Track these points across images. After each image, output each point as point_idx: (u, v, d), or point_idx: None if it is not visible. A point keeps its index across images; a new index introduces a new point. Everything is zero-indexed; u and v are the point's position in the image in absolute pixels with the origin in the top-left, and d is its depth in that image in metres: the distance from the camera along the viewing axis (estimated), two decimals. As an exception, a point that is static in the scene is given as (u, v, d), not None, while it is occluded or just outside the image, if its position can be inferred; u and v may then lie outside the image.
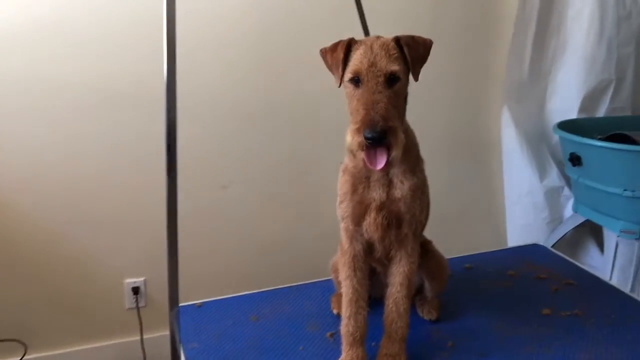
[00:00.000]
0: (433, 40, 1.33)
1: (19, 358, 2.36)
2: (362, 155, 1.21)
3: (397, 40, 1.29)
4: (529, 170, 2.81)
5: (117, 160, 2.40)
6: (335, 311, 1.67)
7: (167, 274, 1.45)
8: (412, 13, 2.65)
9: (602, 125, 2.66)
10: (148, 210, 2.45)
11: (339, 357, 1.40)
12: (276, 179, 2.65)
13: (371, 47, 1.26)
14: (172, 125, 1.37)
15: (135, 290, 2.53)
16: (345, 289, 1.41)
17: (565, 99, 2.78)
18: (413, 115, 1.37)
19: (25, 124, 2.27)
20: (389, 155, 1.20)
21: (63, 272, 2.43)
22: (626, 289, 2.25)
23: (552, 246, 2.55)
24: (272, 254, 2.72)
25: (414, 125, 1.41)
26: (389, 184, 1.36)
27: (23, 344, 2.38)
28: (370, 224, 1.36)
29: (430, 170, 1.45)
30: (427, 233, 1.56)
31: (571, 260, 2.05)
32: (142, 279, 2.55)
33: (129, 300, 2.54)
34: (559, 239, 2.73)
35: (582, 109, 2.74)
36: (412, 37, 1.30)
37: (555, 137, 2.75)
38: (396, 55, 1.26)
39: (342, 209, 1.40)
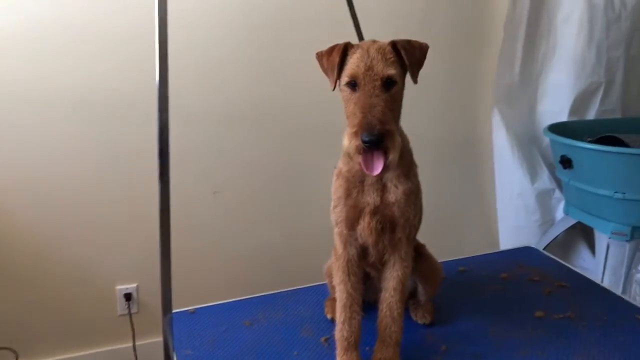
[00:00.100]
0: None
1: (10, 366, 2.34)
2: (359, 159, 1.21)
3: (394, 44, 1.29)
4: (520, 173, 2.82)
5: (108, 165, 2.39)
6: (329, 316, 1.66)
7: (160, 280, 1.44)
8: (402, 16, 2.66)
9: (592, 128, 2.68)
10: (139, 217, 2.44)
11: (333, 362, 1.40)
12: (269, 184, 2.65)
13: (368, 51, 1.26)
14: (164, 130, 1.36)
15: (128, 297, 2.52)
16: (340, 294, 1.41)
17: (555, 102, 2.79)
18: (404, 119, 1.37)
19: (16, 130, 2.25)
20: (386, 159, 1.20)
21: (55, 278, 2.41)
22: (617, 290, 2.27)
23: (544, 248, 2.56)
24: (265, 259, 2.71)
25: (405, 129, 1.41)
26: (382, 188, 1.36)
27: (14, 351, 2.36)
28: (365, 229, 1.36)
29: (422, 173, 1.45)
30: (420, 236, 1.57)
31: (563, 262, 2.06)
32: (134, 285, 2.53)
33: (121, 306, 2.53)
34: (551, 241, 2.75)
35: (572, 112, 2.76)
36: (409, 41, 1.31)
37: (546, 139, 2.76)
38: (393, 59, 1.27)
39: (336, 214, 1.40)
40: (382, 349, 1.41)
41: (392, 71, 1.25)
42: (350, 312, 1.39)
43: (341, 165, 1.40)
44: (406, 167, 1.37)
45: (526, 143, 2.85)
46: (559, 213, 2.81)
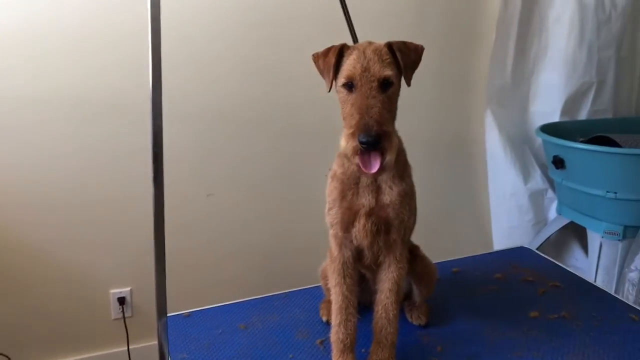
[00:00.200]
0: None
1: (3, 371, 2.33)
2: (356, 160, 1.22)
3: (390, 45, 1.30)
4: (513, 173, 2.83)
5: (100, 167, 2.38)
6: (324, 318, 1.66)
7: (155, 283, 1.44)
8: (395, 16, 2.66)
9: (584, 128, 2.70)
10: (133, 220, 2.44)
11: (329, 364, 1.40)
12: (263, 185, 2.64)
13: (364, 53, 1.27)
14: (158, 133, 1.36)
15: (121, 301, 2.51)
16: (335, 296, 1.41)
17: (547, 102, 2.81)
18: (397, 119, 1.37)
19: (6, 135, 2.24)
20: (382, 160, 1.20)
21: (48, 282, 2.40)
22: (610, 289, 2.28)
23: (537, 248, 2.57)
24: (259, 261, 2.71)
25: (398, 130, 1.41)
26: (377, 190, 1.36)
27: (7, 357, 2.35)
28: (360, 230, 1.36)
29: (414, 174, 1.45)
30: (413, 237, 1.57)
31: (557, 262, 2.07)
32: (127, 288, 2.52)
33: (115, 310, 2.52)
34: (544, 241, 2.76)
35: (564, 112, 2.77)
36: (404, 43, 1.31)
37: (538, 140, 2.78)
38: (389, 60, 1.27)
39: (331, 216, 1.40)
40: (377, 350, 1.40)
41: (388, 72, 1.25)
42: (345, 314, 1.39)
43: (335, 167, 1.40)
44: (400, 168, 1.37)
45: (519, 143, 2.86)
46: (552, 213, 2.83)
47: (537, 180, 2.84)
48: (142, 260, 2.38)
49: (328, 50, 1.33)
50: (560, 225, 2.70)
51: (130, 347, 2.54)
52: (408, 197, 1.38)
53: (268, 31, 2.50)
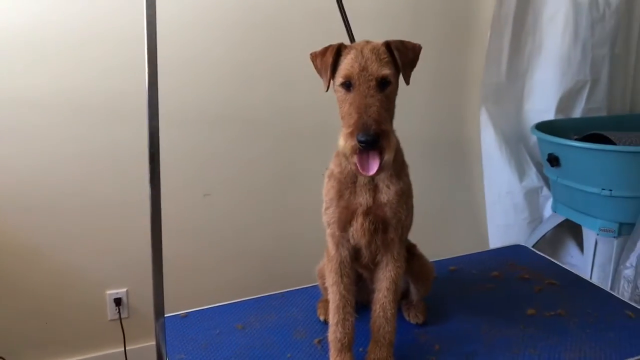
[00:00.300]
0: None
1: (-1, 374, 2.32)
2: (354, 159, 1.21)
3: (387, 44, 1.30)
4: (508, 171, 2.84)
5: (97, 170, 2.37)
6: (321, 318, 1.66)
7: (152, 283, 1.43)
8: (390, 16, 2.66)
9: (578, 126, 2.70)
10: (129, 221, 2.43)
11: (327, 363, 1.40)
12: (260, 187, 2.64)
13: (362, 52, 1.27)
14: (154, 133, 1.35)
15: (118, 302, 2.50)
16: (332, 296, 1.41)
17: (542, 100, 2.82)
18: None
19: (3, 138, 2.22)
20: (381, 160, 1.20)
21: (43, 284, 2.39)
22: (606, 286, 2.29)
23: (533, 246, 2.58)
24: (256, 261, 2.70)
25: (395, 130, 1.41)
26: (374, 189, 1.36)
27: (3, 359, 2.34)
28: (357, 230, 1.36)
29: (410, 173, 1.46)
30: (410, 236, 1.57)
31: (552, 260, 2.07)
32: (124, 289, 2.51)
33: (111, 311, 2.51)
34: (539, 239, 2.77)
35: (559, 110, 2.78)
36: (402, 42, 1.32)
37: (533, 138, 2.78)
38: (387, 59, 1.28)
39: (328, 215, 1.40)
40: (375, 349, 1.41)
41: (386, 71, 1.25)
42: (343, 313, 1.39)
43: (333, 166, 1.40)
44: (398, 167, 1.38)
45: (514, 142, 2.87)
46: (547, 211, 2.83)
47: (533, 178, 2.85)
48: (139, 261, 2.36)
49: (325, 49, 1.33)
50: (556, 223, 2.71)
51: (126, 348, 2.53)
52: (405, 195, 1.38)
53: (264, 34, 2.50)
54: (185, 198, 2.51)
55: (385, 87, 1.26)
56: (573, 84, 2.77)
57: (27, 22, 2.17)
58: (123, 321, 2.52)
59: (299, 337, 1.59)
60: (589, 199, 2.41)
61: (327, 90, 1.33)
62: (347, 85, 1.27)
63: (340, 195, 1.37)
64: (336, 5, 1.89)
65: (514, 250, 2.16)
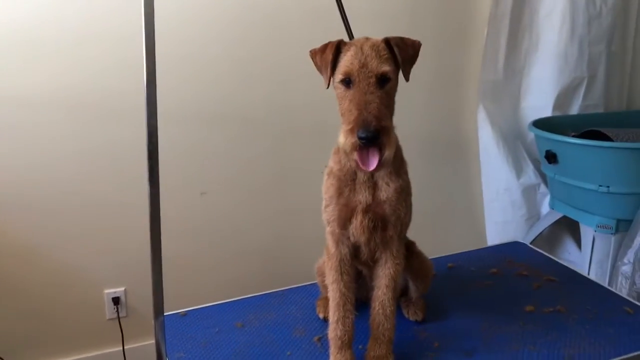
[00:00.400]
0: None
1: (-3, 373, 2.31)
2: (355, 156, 1.21)
3: (387, 41, 1.30)
4: (505, 169, 2.84)
5: (94, 169, 2.36)
6: (321, 315, 1.66)
7: (152, 281, 1.42)
8: (387, 14, 2.66)
9: (576, 123, 2.71)
10: (127, 220, 2.42)
11: (327, 361, 1.40)
12: (258, 185, 2.64)
13: (361, 48, 1.26)
14: (153, 131, 1.34)
15: (116, 301, 2.49)
16: (332, 293, 1.41)
17: (539, 97, 2.82)
18: (390, 117, 1.37)
19: (4, 132, 2.22)
20: (381, 156, 1.20)
21: (41, 283, 2.38)
22: (604, 283, 2.29)
23: (531, 243, 2.58)
24: (255, 259, 2.70)
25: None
26: (374, 186, 1.36)
27: (1, 358, 2.33)
28: (357, 227, 1.36)
29: (409, 171, 1.46)
30: (408, 233, 1.57)
31: (551, 256, 2.08)
32: (122, 288, 2.51)
33: (109, 310, 2.50)
34: (537, 236, 2.77)
35: (556, 107, 2.79)
36: (402, 39, 1.32)
37: (531, 135, 2.79)
38: (386, 56, 1.28)
39: (328, 213, 1.40)
40: (375, 346, 1.41)
41: (386, 68, 1.25)
42: (343, 311, 1.39)
43: (332, 164, 1.40)
44: (397, 164, 1.38)
45: (511, 139, 2.87)
46: (545, 208, 2.84)
47: (530, 175, 2.86)
48: (137, 260, 2.37)
49: (325, 46, 1.33)
50: (553, 220, 2.71)
51: (125, 347, 2.53)
52: (404, 193, 1.38)
53: (263, 33, 2.49)
54: (183, 196, 2.51)
55: (385, 84, 1.26)
56: (570, 81, 2.77)
57: (25, 20, 2.16)
58: (121, 320, 2.51)
59: (298, 334, 1.59)
60: (586, 195, 2.41)
61: (327, 87, 1.33)
62: (347, 82, 1.26)
63: (339, 192, 1.37)
64: (334, 4, 1.89)
65: (512, 247, 2.16)
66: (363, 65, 1.24)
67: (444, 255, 2.07)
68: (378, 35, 1.33)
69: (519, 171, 2.84)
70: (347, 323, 1.39)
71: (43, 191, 2.31)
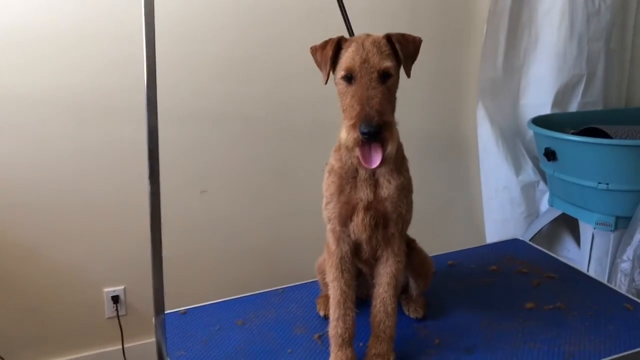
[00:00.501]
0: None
1: (-3, 372, 2.31)
2: (357, 152, 1.21)
3: (388, 37, 1.30)
4: (504, 166, 2.84)
5: (93, 168, 2.36)
6: (321, 313, 1.66)
7: (152, 279, 1.42)
8: (386, 13, 2.66)
9: (575, 120, 2.71)
10: (126, 219, 2.42)
11: (327, 359, 1.40)
12: (257, 182, 2.63)
13: (362, 45, 1.26)
14: (153, 129, 1.34)
15: (115, 299, 2.49)
16: (333, 291, 1.40)
17: (538, 94, 2.83)
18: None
19: (4, 131, 2.22)
20: (384, 152, 1.20)
21: (41, 282, 2.38)
22: (603, 280, 2.30)
23: (530, 240, 2.58)
24: (254, 257, 2.70)
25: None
26: (375, 184, 1.36)
27: (1, 357, 2.33)
28: (358, 225, 1.36)
29: (409, 168, 1.46)
30: (407, 231, 1.57)
31: (550, 253, 2.08)
32: (121, 287, 2.51)
33: (108, 309, 2.50)
34: (536, 233, 2.78)
35: (555, 104, 2.79)
36: (403, 35, 1.32)
37: (530, 132, 2.79)
38: (388, 52, 1.28)
39: (328, 211, 1.39)
40: (376, 344, 1.41)
41: (388, 63, 1.25)
42: (344, 308, 1.39)
43: (333, 161, 1.40)
44: (398, 162, 1.38)
45: (510, 136, 2.87)
46: (544, 205, 2.84)
47: (529, 172, 2.86)
48: (136, 258, 2.37)
49: (326, 43, 1.33)
50: (552, 217, 2.71)
51: (124, 346, 2.53)
52: (406, 190, 1.38)
53: (262, 31, 2.49)
54: (182, 195, 2.51)
55: (387, 79, 1.26)
56: (569, 79, 2.78)
57: (24, 18, 2.15)
58: (121, 319, 2.51)
59: (299, 332, 1.59)
60: (585, 192, 2.42)
61: (325, 83, 1.33)
62: (349, 78, 1.26)
63: (341, 190, 1.36)
64: (333, 3, 1.89)
65: (512, 245, 2.16)
66: (365, 61, 1.24)
67: (444, 252, 2.07)
68: (377, 33, 1.33)
69: (518, 169, 2.85)
70: (348, 321, 1.38)
71: (42, 190, 2.31)
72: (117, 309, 2.50)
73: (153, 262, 1.41)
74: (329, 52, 1.30)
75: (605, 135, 2.39)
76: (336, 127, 1.26)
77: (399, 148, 1.40)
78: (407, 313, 1.65)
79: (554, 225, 2.84)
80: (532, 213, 2.87)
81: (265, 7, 2.47)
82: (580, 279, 1.87)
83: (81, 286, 2.45)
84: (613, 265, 2.37)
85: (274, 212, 2.70)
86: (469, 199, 3.12)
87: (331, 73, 1.33)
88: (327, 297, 1.52)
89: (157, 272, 1.41)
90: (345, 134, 1.20)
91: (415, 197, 1.47)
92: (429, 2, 2.76)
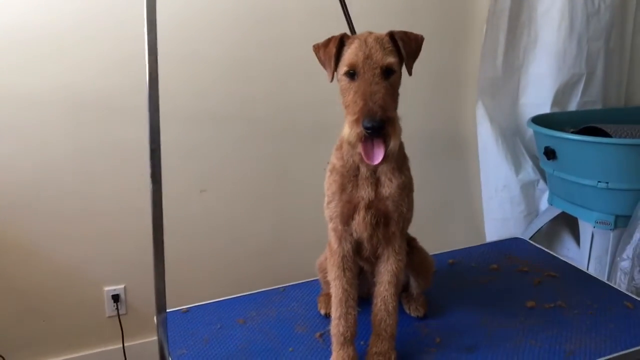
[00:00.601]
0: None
1: (-2, 371, 2.31)
2: (359, 148, 1.21)
3: (391, 34, 1.30)
4: (504, 165, 2.85)
5: (93, 167, 2.36)
6: (322, 311, 1.67)
7: (154, 278, 1.42)
8: (386, 12, 2.66)
9: (574, 119, 2.72)
10: (127, 218, 2.42)
11: (329, 357, 1.40)
12: (257, 181, 2.63)
13: (365, 41, 1.27)
14: (155, 129, 1.34)
15: (116, 298, 2.49)
16: (335, 290, 1.41)
17: (538, 94, 2.83)
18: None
19: (4, 131, 2.22)
20: (386, 148, 1.20)
21: (41, 281, 2.38)
22: (603, 278, 2.30)
23: (530, 239, 2.58)
24: (255, 256, 2.70)
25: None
26: (376, 182, 1.36)
27: (1, 356, 2.33)
28: (359, 223, 1.36)
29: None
30: (409, 230, 1.57)
31: (551, 252, 2.08)
32: (121, 286, 2.51)
33: (109, 308, 2.50)
34: (536, 232, 2.78)
35: (554, 103, 2.80)
36: (405, 33, 1.32)
37: (529, 131, 2.79)
38: (390, 48, 1.28)
39: (330, 209, 1.39)
40: (377, 342, 1.41)
41: (391, 59, 1.26)
42: (346, 307, 1.39)
43: (334, 160, 1.40)
44: (399, 160, 1.38)
45: (510, 135, 2.88)
46: (544, 204, 2.84)
47: (529, 171, 2.86)
48: (137, 257, 2.37)
49: (329, 40, 1.33)
50: (552, 216, 2.72)
51: (125, 345, 2.53)
52: (407, 189, 1.38)
53: (264, 32, 2.49)
54: (183, 194, 2.51)
55: (390, 76, 1.26)
56: (569, 78, 2.78)
57: (25, 18, 2.15)
58: (121, 318, 2.51)
59: (300, 331, 1.59)
60: (585, 191, 2.42)
61: (331, 81, 1.33)
62: (352, 73, 1.26)
63: (342, 189, 1.36)
64: (334, 3, 1.88)
65: (512, 243, 2.17)
66: (368, 57, 1.24)
67: (444, 251, 2.08)
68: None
69: (517, 167, 2.85)
70: (350, 319, 1.39)
71: (43, 189, 2.31)
72: (117, 308, 2.50)
73: (155, 261, 1.41)
74: (332, 49, 1.30)
75: (605, 134, 2.40)
76: (337, 127, 1.26)
77: (400, 147, 1.40)
78: (408, 312, 1.65)
79: (553, 224, 2.85)
80: (531, 212, 2.88)
81: (267, 8, 2.47)
82: (580, 277, 1.88)
83: (81, 285, 2.45)
84: (613, 263, 2.37)
85: (275, 212, 2.71)
86: (468, 197, 3.12)
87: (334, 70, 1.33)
88: (328, 296, 1.52)
89: (159, 271, 1.41)
90: (347, 130, 1.20)
91: (416, 196, 1.47)
92: (429, 2, 2.76)
